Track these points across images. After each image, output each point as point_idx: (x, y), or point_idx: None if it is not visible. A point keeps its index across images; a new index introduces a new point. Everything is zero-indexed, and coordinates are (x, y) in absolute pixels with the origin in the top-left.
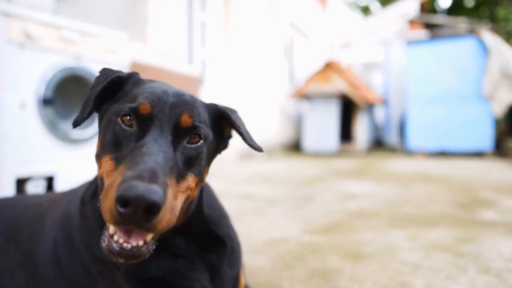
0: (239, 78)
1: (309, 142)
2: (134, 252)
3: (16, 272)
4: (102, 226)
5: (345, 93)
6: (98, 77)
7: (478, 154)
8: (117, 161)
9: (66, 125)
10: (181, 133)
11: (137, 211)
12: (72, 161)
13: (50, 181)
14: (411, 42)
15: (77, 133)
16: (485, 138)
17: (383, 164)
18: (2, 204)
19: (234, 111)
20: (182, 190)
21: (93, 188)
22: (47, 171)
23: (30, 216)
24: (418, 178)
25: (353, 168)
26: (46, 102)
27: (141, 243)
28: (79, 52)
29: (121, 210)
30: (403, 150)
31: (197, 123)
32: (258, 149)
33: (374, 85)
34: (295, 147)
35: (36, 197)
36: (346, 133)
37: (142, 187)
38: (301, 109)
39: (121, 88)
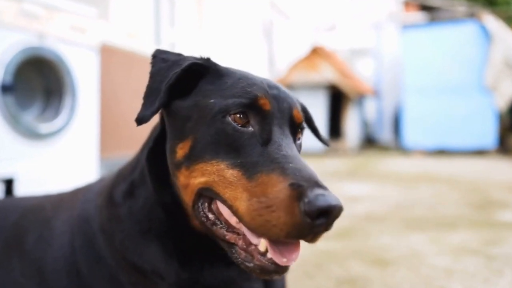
0: None
1: None
2: (288, 267)
3: (24, 285)
4: (144, 231)
5: (334, 83)
6: (157, 61)
7: (480, 152)
8: (247, 169)
9: (29, 117)
10: (295, 130)
11: (333, 221)
12: (37, 161)
13: (9, 184)
14: (406, 26)
15: (43, 126)
16: (488, 135)
17: (379, 164)
18: None
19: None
20: None
21: (125, 188)
22: (5, 172)
23: (31, 221)
24: (421, 179)
25: (348, 168)
26: (6, 88)
27: (296, 255)
28: (43, 30)
29: (318, 221)
30: (398, 148)
31: (303, 118)
32: (326, 143)
33: (362, 74)
34: None
35: (31, 199)
36: (334, 129)
37: (334, 196)
38: None
39: (194, 79)
